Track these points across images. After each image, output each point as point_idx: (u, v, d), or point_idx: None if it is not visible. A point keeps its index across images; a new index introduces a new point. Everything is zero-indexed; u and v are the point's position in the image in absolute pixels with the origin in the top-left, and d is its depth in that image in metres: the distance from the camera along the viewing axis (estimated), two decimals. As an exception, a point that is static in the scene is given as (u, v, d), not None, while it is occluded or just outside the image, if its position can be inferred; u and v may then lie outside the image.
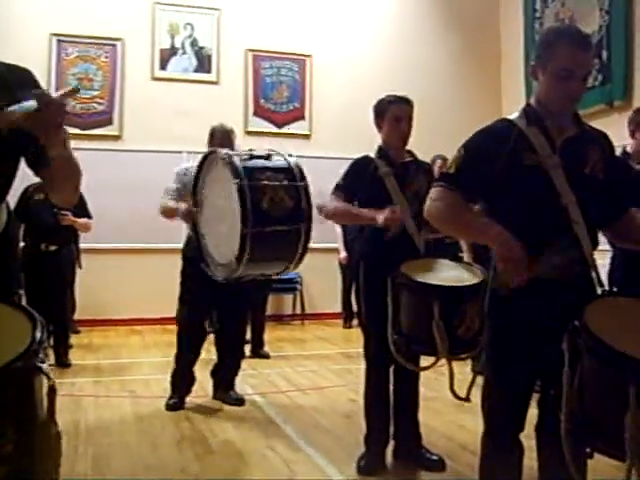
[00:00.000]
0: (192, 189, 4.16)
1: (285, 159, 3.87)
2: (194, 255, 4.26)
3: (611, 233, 2.45)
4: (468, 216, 2.33)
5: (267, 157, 3.87)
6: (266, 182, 3.65)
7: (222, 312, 4.82)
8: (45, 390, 1.56)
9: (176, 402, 4.62)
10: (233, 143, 4.68)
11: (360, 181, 3.44)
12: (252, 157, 3.84)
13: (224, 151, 3.86)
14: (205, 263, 4.05)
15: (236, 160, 3.71)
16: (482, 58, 9.85)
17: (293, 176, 3.77)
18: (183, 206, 4.27)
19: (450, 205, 2.29)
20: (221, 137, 4.68)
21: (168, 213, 4.52)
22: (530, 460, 2.43)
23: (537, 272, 2.15)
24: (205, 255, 4.06)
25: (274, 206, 3.61)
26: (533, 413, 2.38)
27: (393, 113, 3.42)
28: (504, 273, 2.19)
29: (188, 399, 4.69)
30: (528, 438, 2.39)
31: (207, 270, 4.03)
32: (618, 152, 3.75)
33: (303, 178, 3.80)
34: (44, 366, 1.54)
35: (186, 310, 4.69)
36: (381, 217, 3.23)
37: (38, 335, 1.56)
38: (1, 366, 1.44)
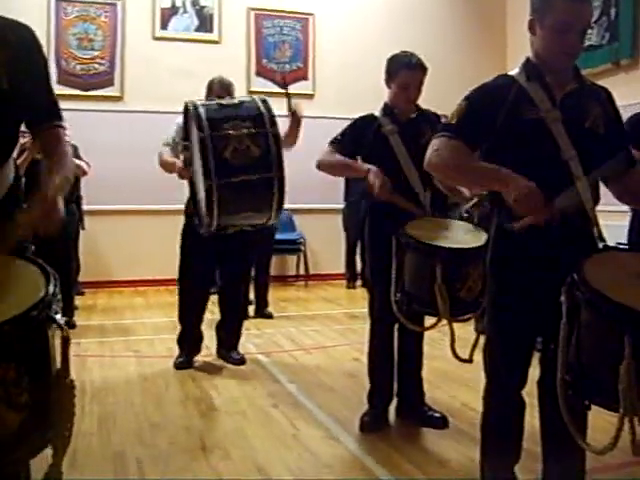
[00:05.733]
0: (183, 146, 4.11)
1: (257, 106, 3.70)
2: (192, 212, 4.26)
3: (615, 190, 2.42)
4: (474, 162, 2.29)
5: (238, 105, 3.75)
6: (231, 132, 3.52)
7: (224, 271, 4.79)
8: (59, 341, 1.59)
9: (184, 361, 4.65)
10: (232, 96, 4.53)
11: (362, 139, 3.40)
12: (222, 106, 3.72)
13: (193, 102, 3.76)
14: (197, 218, 4.02)
15: (202, 111, 3.60)
16: (487, 15, 9.70)
17: (262, 123, 3.61)
18: (179, 163, 4.24)
19: (454, 152, 2.25)
20: (219, 89, 4.57)
21: (166, 167, 4.51)
22: (532, 418, 2.45)
23: (552, 213, 2.13)
24: (198, 210, 4.02)
25: (238, 155, 3.48)
26: (535, 372, 2.39)
27: (403, 79, 3.36)
28: (520, 214, 2.15)
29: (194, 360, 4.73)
30: (530, 396, 2.41)
31: (197, 226, 4.00)
32: (633, 109, 3.72)
33: (274, 124, 3.64)
34: (58, 317, 1.59)
35: (187, 268, 4.66)
36: (374, 179, 3.19)
37: (52, 287, 1.62)
38: (17, 314, 1.48)
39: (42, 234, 1.82)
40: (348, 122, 3.54)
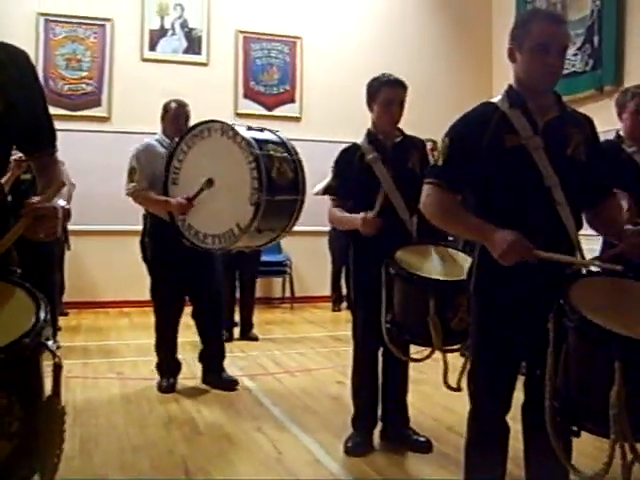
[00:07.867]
0: (165, 165, 4.13)
1: (276, 134, 3.90)
2: (160, 239, 4.41)
3: (590, 216, 2.44)
4: (460, 216, 2.33)
5: (263, 130, 3.89)
6: (272, 153, 3.70)
7: (195, 295, 4.73)
8: (51, 368, 1.57)
9: (168, 384, 4.60)
10: (189, 118, 4.67)
11: (349, 173, 3.43)
12: (250, 128, 3.84)
13: (225, 121, 3.85)
14: (185, 238, 4.01)
15: (241, 130, 3.72)
16: (473, 39, 9.82)
17: (288, 150, 3.83)
18: (174, 200, 4.05)
19: (440, 206, 2.32)
20: (176, 109, 4.73)
21: (158, 206, 4.35)
22: (516, 441, 2.45)
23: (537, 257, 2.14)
24: (184, 230, 4.01)
25: (281, 176, 3.67)
26: (519, 396, 2.39)
27: (385, 96, 3.38)
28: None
29: (178, 381, 4.69)
30: (515, 421, 2.41)
31: (188, 243, 3.99)
32: (611, 136, 3.77)
33: (296, 152, 3.86)
34: (49, 343, 1.57)
35: (162, 296, 4.66)
36: (364, 229, 3.26)
37: (42, 313, 1.59)
38: (8, 343, 1.46)
39: (35, 236, 1.76)
40: (335, 145, 3.56)
